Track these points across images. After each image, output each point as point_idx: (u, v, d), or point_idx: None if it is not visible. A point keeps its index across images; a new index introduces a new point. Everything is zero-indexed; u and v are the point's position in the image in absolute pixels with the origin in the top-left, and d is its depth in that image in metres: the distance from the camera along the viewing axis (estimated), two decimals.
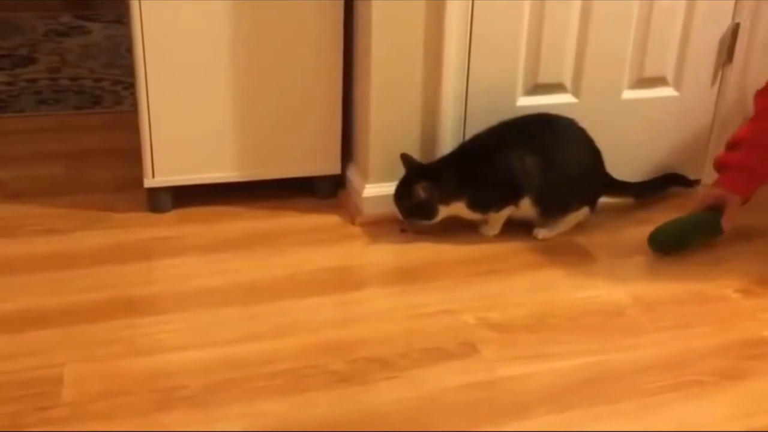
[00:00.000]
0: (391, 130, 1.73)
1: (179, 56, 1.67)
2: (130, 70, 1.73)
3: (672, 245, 1.67)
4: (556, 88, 1.83)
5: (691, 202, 1.77)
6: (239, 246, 1.65)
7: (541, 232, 1.72)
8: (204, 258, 1.61)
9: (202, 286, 1.51)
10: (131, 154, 1.80)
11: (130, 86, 2.35)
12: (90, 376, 1.25)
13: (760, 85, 1.75)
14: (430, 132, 1.75)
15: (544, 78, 1.80)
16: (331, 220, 1.78)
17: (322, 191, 1.87)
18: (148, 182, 1.74)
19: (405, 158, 1.68)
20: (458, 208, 1.68)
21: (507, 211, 1.69)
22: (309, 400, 1.21)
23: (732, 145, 1.73)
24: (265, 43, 1.70)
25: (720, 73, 1.92)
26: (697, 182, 1.96)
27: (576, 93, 1.84)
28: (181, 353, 1.31)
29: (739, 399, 1.25)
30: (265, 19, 1.68)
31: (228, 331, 1.37)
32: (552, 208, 1.69)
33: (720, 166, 1.74)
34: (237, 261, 1.60)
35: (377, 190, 1.75)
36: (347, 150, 1.88)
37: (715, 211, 1.69)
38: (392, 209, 1.70)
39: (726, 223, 1.68)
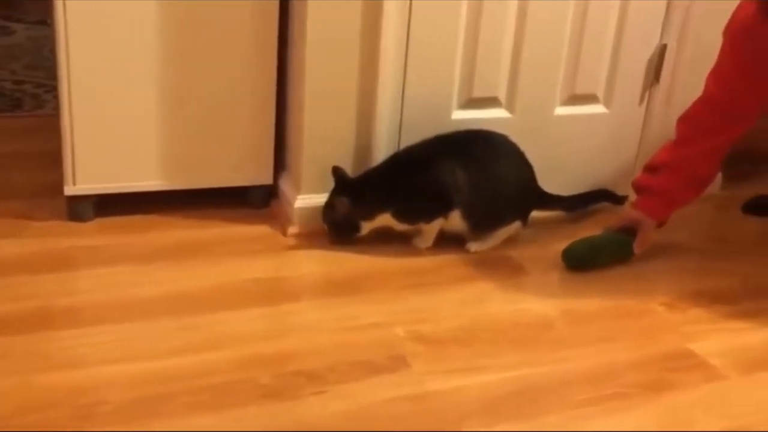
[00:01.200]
0: (325, 139, 1.71)
1: (104, 59, 1.61)
2: (53, 73, 1.66)
3: (584, 262, 1.69)
4: (491, 102, 1.84)
5: (615, 216, 1.80)
6: (165, 256, 1.60)
7: (474, 246, 1.72)
8: (128, 269, 1.55)
9: (126, 298, 1.46)
10: (52, 160, 1.73)
11: (53, 89, 2.27)
12: (6, 390, 1.19)
13: (686, 105, 1.80)
14: (364, 143, 1.74)
15: (479, 92, 1.82)
16: (262, 230, 1.75)
17: (253, 201, 1.83)
18: (69, 190, 1.68)
19: (335, 171, 1.67)
20: (385, 220, 1.67)
21: (437, 224, 1.70)
22: (237, 415, 1.18)
23: (652, 168, 1.76)
24: (194, 47, 1.66)
25: (648, 93, 1.98)
26: (625, 198, 2.01)
27: (510, 108, 1.86)
28: (103, 367, 1.26)
29: (662, 411, 1.27)
30: (195, 22, 1.64)
31: (153, 345, 1.33)
32: (482, 222, 1.70)
33: (639, 188, 1.78)
34: (163, 272, 1.55)
35: (309, 200, 1.73)
36: (280, 159, 1.85)
37: (628, 232, 1.73)
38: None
39: (638, 247, 1.72)
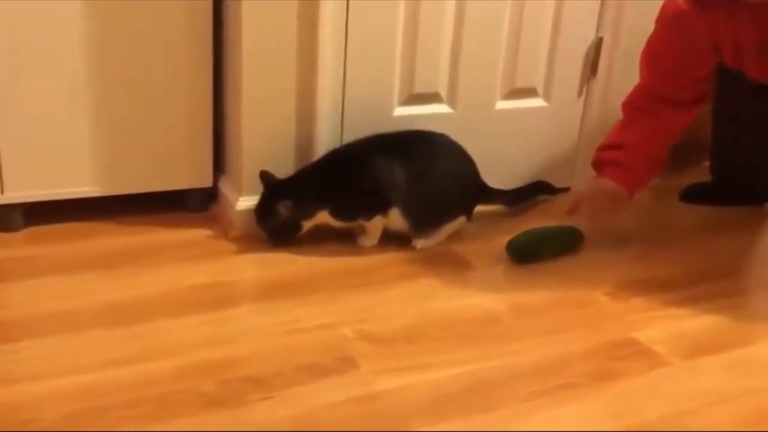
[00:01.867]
0: (265, 140, 1.68)
1: (29, 60, 1.55)
2: None
3: (528, 254, 1.69)
4: (432, 98, 1.84)
5: (555, 207, 1.82)
6: (100, 265, 1.55)
7: (419, 242, 1.72)
8: (60, 279, 1.50)
9: (59, 310, 1.40)
10: None
11: None
12: None
13: (623, 96, 1.84)
14: (305, 142, 1.72)
15: (420, 88, 1.81)
16: (201, 234, 1.71)
17: (192, 204, 1.79)
18: None
19: (263, 175, 1.64)
20: (323, 217, 1.65)
21: (379, 221, 1.68)
22: (180, 425, 1.14)
23: (614, 146, 1.78)
24: (126, 46, 1.61)
25: (586, 86, 2.00)
26: (563, 190, 2.03)
27: (451, 104, 1.86)
28: (37, 383, 1.21)
29: (610, 399, 1.28)
30: (126, 20, 1.59)
31: (88, 357, 1.28)
32: (424, 220, 1.70)
33: (605, 162, 1.79)
34: (98, 281, 1.50)
35: (251, 202, 1.69)
36: (220, 162, 1.81)
37: (572, 226, 1.75)
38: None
39: (617, 217, 1.74)
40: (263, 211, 1.65)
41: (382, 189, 1.64)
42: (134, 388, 1.21)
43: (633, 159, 1.75)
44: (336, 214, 1.65)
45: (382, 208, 1.66)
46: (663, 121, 1.76)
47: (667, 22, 1.71)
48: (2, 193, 1.61)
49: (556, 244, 1.73)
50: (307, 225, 1.65)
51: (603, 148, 1.81)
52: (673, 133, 1.79)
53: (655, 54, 1.75)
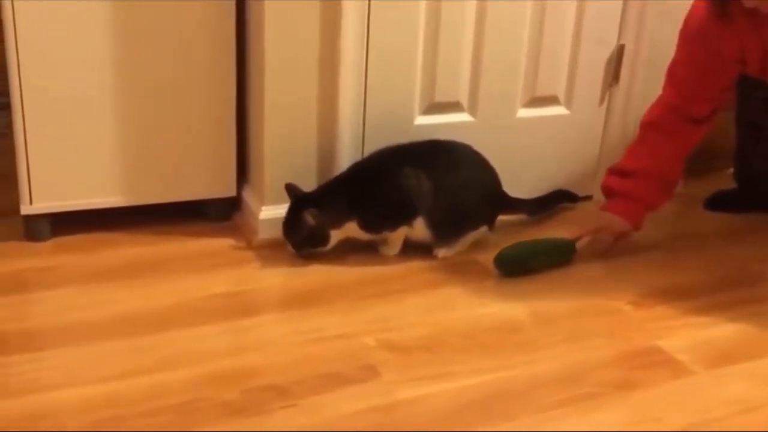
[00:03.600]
0: (288, 149, 1.69)
1: (58, 73, 1.58)
2: (4, 89, 1.62)
3: (514, 267, 1.66)
4: (453, 107, 1.84)
5: (578, 215, 1.80)
6: (124, 275, 1.57)
7: (441, 251, 1.71)
8: (84, 289, 1.52)
9: (82, 320, 1.42)
10: (6, 179, 1.69)
11: (5, 107, 2.22)
12: None
13: (645, 104, 1.82)
14: (327, 151, 1.73)
15: (440, 97, 1.81)
16: (224, 243, 1.72)
17: (215, 214, 1.80)
18: (25, 209, 1.64)
19: (289, 188, 1.65)
20: (351, 230, 1.65)
21: (403, 231, 1.68)
22: None
23: (623, 173, 1.76)
24: (151, 59, 1.63)
25: (608, 93, 1.99)
26: (585, 198, 2.02)
27: (472, 112, 1.86)
28: (59, 392, 1.22)
29: (632, 408, 1.27)
30: (151, 33, 1.62)
31: (110, 366, 1.29)
32: (447, 230, 1.70)
33: (612, 192, 1.77)
34: (121, 291, 1.51)
35: (274, 212, 1.70)
36: (243, 171, 1.82)
37: (565, 239, 1.72)
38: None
39: (611, 248, 1.73)
40: (291, 222, 1.64)
41: (408, 197, 1.64)
42: (156, 397, 1.22)
43: (644, 188, 1.73)
44: (364, 225, 1.65)
45: (409, 218, 1.66)
46: (680, 140, 1.73)
47: (691, 34, 1.68)
48: (31, 203, 1.63)
49: (545, 257, 1.69)
50: (335, 235, 1.64)
51: (614, 172, 1.79)
52: (690, 149, 1.77)
53: (679, 66, 1.73)
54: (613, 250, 1.75)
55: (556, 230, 1.81)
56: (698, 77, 1.70)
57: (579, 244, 1.73)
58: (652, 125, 1.76)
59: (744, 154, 2.01)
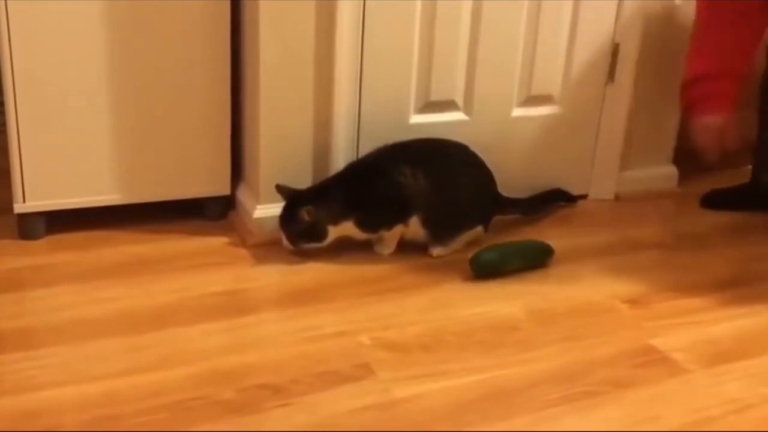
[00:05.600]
0: (283, 148, 1.69)
1: (51, 71, 1.57)
2: None
3: (488, 269, 1.64)
4: (449, 105, 1.84)
5: (573, 214, 1.79)
6: (119, 273, 1.56)
7: (436, 250, 1.71)
8: (80, 287, 1.51)
9: (78, 318, 1.41)
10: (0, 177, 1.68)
11: None
12: None
13: (640, 104, 1.82)
14: (322, 150, 1.72)
15: (436, 96, 1.81)
16: (220, 242, 1.71)
17: (210, 213, 1.80)
18: (19, 207, 1.63)
19: (280, 189, 1.65)
20: (347, 228, 1.65)
21: (398, 230, 1.68)
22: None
23: (698, 79, 1.74)
24: (146, 57, 1.63)
25: (603, 92, 1.99)
26: (581, 197, 2.02)
27: (468, 111, 1.86)
28: (55, 390, 1.22)
29: (629, 407, 1.27)
30: (146, 31, 1.61)
31: (106, 365, 1.29)
32: (442, 229, 1.70)
33: (698, 99, 1.76)
34: (117, 289, 1.51)
35: (269, 210, 1.70)
36: (237, 170, 1.82)
37: (542, 242, 1.71)
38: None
39: (734, 143, 1.72)
40: (287, 218, 1.63)
41: (404, 195, 1.64)
42: (152, 396, 1.21)
43: (723, 84, 1.71)
44: (361, 224, 1.65)
45: (405, 216, 1.66)
46: (737, 35, 1.71)
47: None
48: (24, 201, 1.62)
49: (521, 259, 1.68)
50: (332, 232, 1.64)
51: (689, 83, 1.78)
52: (750, 43, 1.75)
53: None
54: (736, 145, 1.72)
55: (552, 229, 1.81)
56: None
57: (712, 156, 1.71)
58: (705, 25, 1.73)
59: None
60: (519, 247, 1.71)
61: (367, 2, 1.65)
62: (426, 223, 1.67)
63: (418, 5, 1.72)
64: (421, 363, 1.35)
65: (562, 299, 1.58)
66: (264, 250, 1.68)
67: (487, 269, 1.64)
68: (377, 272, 1.64)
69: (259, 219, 1.70)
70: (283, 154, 1.69)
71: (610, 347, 1.42)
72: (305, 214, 1.60)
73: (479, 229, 1.75)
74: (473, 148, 1.75)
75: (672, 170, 2.13)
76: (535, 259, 1.70)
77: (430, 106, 1.82)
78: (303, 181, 1.69)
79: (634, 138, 2.04)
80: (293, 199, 1.63)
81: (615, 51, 1.96)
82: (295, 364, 1.32)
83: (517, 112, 1.92)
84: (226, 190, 1.79)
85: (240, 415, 1.19)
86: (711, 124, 1.74)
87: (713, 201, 2.07)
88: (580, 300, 1.58)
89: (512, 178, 1.85)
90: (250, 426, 1.17)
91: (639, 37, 1.95)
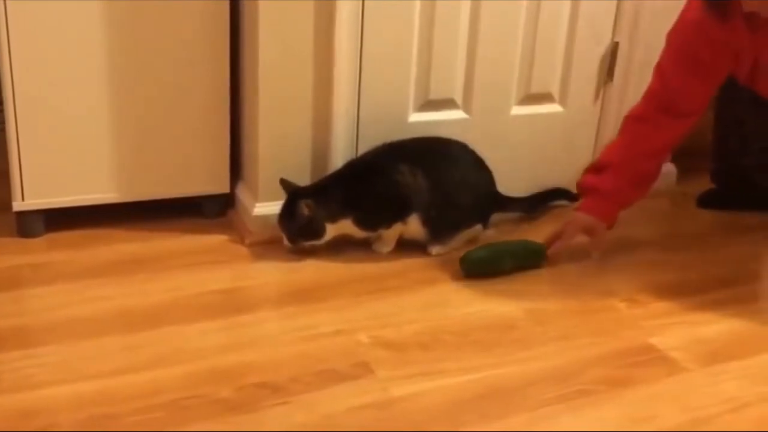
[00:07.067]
0: (282, 146, 1.69)
1: (50, 69, 1.57)
2: None
3: (479, 269, 1.63)
4: (448, 104, 1.84)
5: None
6: (118, 271, 1.56)
7: (435, 248, 1.71)
8: (78, 285, 1.51)
9: (75, 316, 1.41)
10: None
11: None
12: None
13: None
14: (321, 148, 1.72)
15: (435, 94, 1.81)
16: (218, 240, 1.72)
17: (209, 211, 1.80)
18: (17, 205, 1.63)
19: (284, 183, 1.65)
20: (346, 227, 1.65)
21: (397, 228, 1.68)
22: (196, 430, 1.15)
23: (597, 168, 1.73)
24: (145, 56, 1.63)
25: (602, 91, 1.99)
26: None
27: (467, 109, 1.86)
28: (52, 389, 1.22)
29: (627, 406, 1.27)
30: (145, 30, 1.61)
31: (103, 363, 1.29)
32: (441, 228, 1.69)
33: (584, 189, 1.74)
34: (115, 287, 1.51)
35: (267, 208, 1.70)
36: (236, 168, 1.82)
37: (536, 242, 1.70)
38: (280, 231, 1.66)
39: (596, 249, 1.71)
40: (286, 212, 1.63)
41: (403, 193, 1.64)
42: (150, 394, 1.21)
43: (614, 183, 1.68)
44: (359, 222, 1.65)
45: (404, 214, 1.66)
46: (661, 133, 1.69)
47: (684, 31, 1.66)
48: (23, 199, 1.62)
49: (512, 260, 1.66)
50: (330, 229, 1.64)
51: (590, 169, 1.75)
52: (670, 143, 1.74)
53: (668, 61, 1.71)
54: (604, 248, 1.73)
55: (551, 228, 1.80)
56: (686, 71, 1.66)
57: (552, 249, 1.69)
58: (632, 117, 1.72)
59: (727, 152, 2.00)
60: (511, 247, 1.70)
61: (366, 2, 1.65)
62: (425, 221, 1.67)
63: (417, 4, 1.72)
64: (418, 362, 1.35)
65: (560, 298, 1.58)
66: (262, 248, 1.68)
67: (475, 268, 1.63)
68: (375, 271, 1.64)
69: (258, 217, 1.71)
70: (282, 152, 1.69)
71: (608, 346, 1.42)
72: (305, 207, 1.60)
73: (478, 227, 1.75)
74: (472, 146, 1.75)
75: (670, 168, 2.13)
76: (527, 260, 1.68)
77: (429, 104, 1.82)
78: (302, 179, 1.69)
79: None
80: (293, 194, 1.63)
81: (614, 50, 1.96)
82: (294, 363, 1.32)
83: (517, 110, 1.92)
84: (225, 189, 1.79)
85: (238, 413, 1.19)
86: (584, 224, 1.69)
87: (709, 200, 2.07)
88: (577, 299, 1.58)
89: (511, 177, 1.85)
90: (248, 425, 1.17)
91: (638, 36, 1.95)
